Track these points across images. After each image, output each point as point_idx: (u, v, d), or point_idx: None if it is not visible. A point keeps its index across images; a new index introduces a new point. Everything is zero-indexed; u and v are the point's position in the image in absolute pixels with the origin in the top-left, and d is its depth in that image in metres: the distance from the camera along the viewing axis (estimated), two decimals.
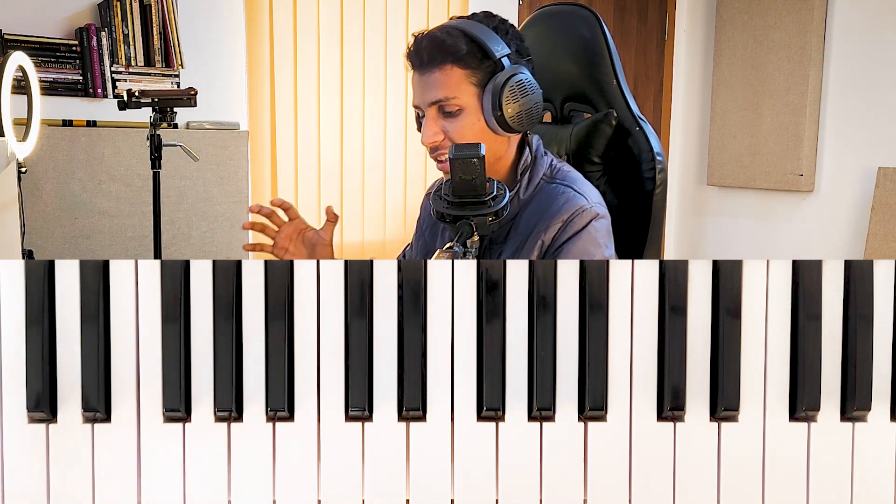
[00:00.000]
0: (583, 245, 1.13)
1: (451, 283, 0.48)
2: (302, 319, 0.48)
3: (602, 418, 0.48)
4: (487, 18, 1.17)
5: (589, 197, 1.17)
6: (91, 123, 2.87)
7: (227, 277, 0.47)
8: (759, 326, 0.48)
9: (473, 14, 1.20)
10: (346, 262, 0.48)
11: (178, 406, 0.47)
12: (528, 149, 1.22)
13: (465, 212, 1.03)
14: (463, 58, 1.13)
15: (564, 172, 1.22)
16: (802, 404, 0.48)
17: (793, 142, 3.49)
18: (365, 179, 3.62)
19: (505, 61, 1.13)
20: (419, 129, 1.22)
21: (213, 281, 0.47)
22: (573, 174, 1.22)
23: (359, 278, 0.47)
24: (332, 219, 1.38)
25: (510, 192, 1.19)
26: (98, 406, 0.47)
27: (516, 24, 1.28)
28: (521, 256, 1.15)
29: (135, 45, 3.00)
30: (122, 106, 2.33)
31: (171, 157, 2.64)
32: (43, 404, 0.46)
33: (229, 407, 0.47)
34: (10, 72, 1.64)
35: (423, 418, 0.48)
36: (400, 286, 0.48)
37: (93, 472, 0.47)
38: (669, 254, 4.30)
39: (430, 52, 1.14)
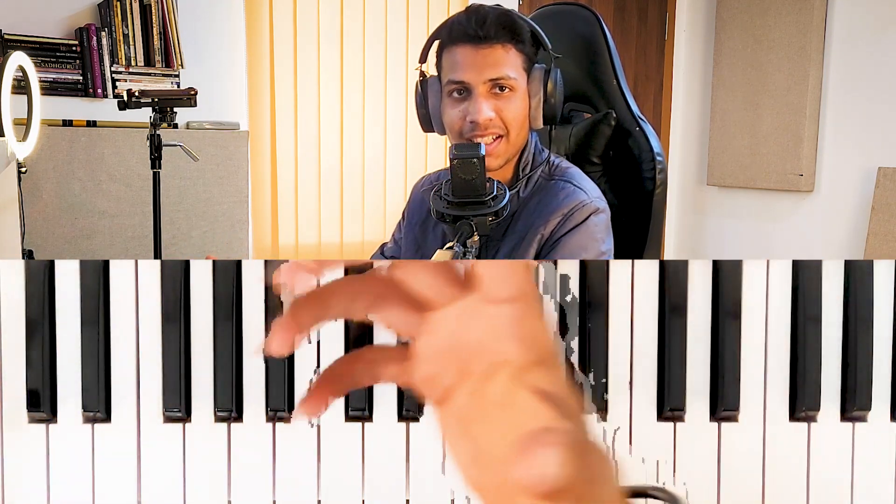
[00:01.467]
0: (580, 239, 1.13)
1: None
2: None
3: (603, 418, 0.48)
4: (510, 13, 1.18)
5: (588, 191, 1.17)
6: (91, 123, 2.87)
7: (227, 277, 0.47)
8: (759, 326, 0.48)
9: (498, 7, 1.19)
10: (345, 262, 0.48)
11: (177, 406, 0.47)
12: (527, 146, 1.22)
13: (465, 212, 1.03)
14: (523, 41, 1.14)
15: (563, 169, 1.22)
16: (802, 404, 0.48)
17: (793, 142, 3.49)
18: (365, 179, 3.62)
19: (547, 53, 1.16)
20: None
21: (213, 281, 0.47)
22: (572, 170, 1.22)
23: None
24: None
25: (510, 189, 1.19)
26: (98, 406, 0.47)
27: None
28: (519, 253, 1.15)
29: (135, 45, 3.00)
30: (122, 106, 2.33)
31: (171, 157, 2.64)
32: (43, 404, 0.46)
33: (229, 407, 0.47)
34: (10, 72, 1.64)
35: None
36: None
37: (93, 472, 0.47)
38: (669, 254, 4.30)
39: (495, 27, 1.12)
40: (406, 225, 1.37)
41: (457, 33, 1.14)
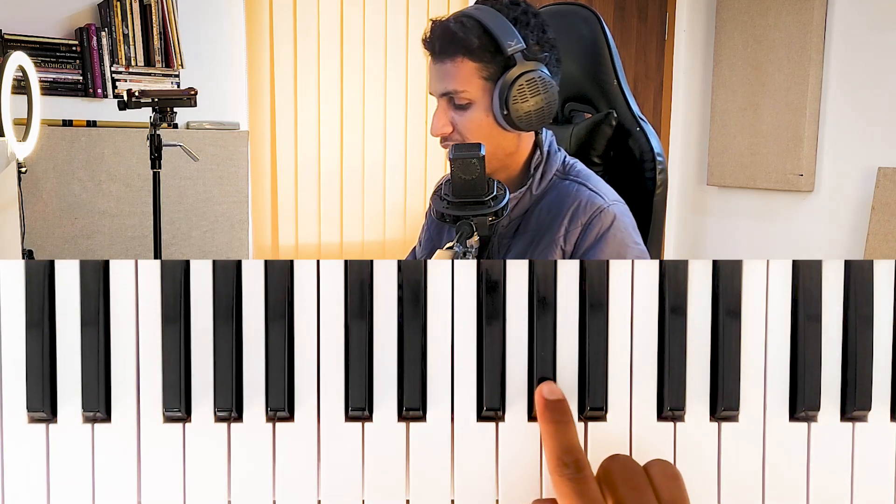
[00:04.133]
0: (614, 248, 1.11)
1: (451, 283, 0.48)
2: (302, 319, 0.48)
3: (602, 418, 0.48)
4: (510, 7, 1.13)
5: (605, 195, 1.15)
6: (91, 123, 2.87)
7: (227, 277, 0.47)
8: (759, 326, 0.48)
9: None
10: (346, 262, 0.48)
11: (178, 406, 0.47)
12: (540, 144, 1.22)
13: (465, 212, 1.02)
14: (474, 51, 1.10)
15: (578, 169, 1.21)
16: (802, 404, 0.48)
17: (793, 142, 3.49)
18: (365, 179, 3.62)
19: (518, 57, 1.09)
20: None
21: (213, 281, 0.47)
22: (586, 171, 1.21)
23: (359, 278, 0.47)
24: None
25: (523, 187, 1.19)
26: (98, 406, 0.47)
27: None
28: (534, 254, 1.14)
29: (135, 45, 3.00)
30: (122, 106, 2.33)
31: (171, 157, 2.64)
32: (43, 404, 0.46)
33: (229, 407, 0.47)
34: (10, 72, 1.64)
35: (423, 418, 0.48)
36: (400, 286, 0.48)
37: (93, 472, 0.47)
38: (669, 254, 4.30)
39: (442, 42, 1.12)
40: (425, 227, 1.41)
41: (427, 49, 1.16)
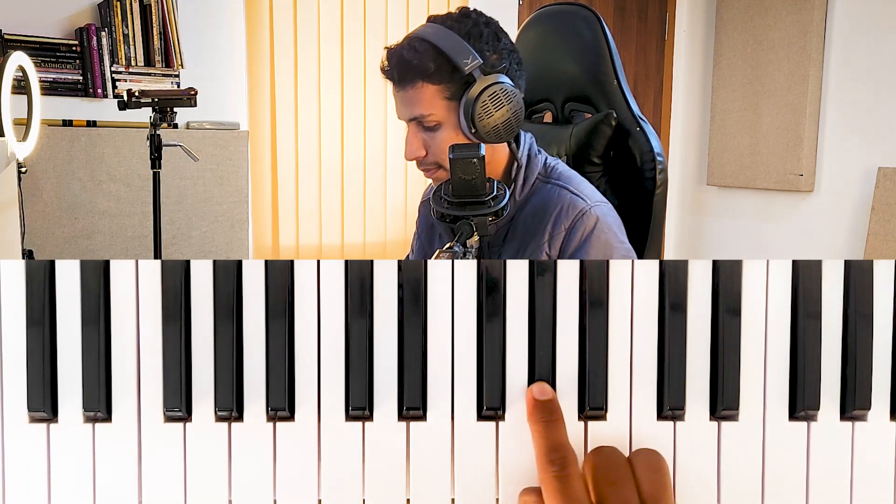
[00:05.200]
0: (599, 250, 1.12)
1: (451, 283, 0.48)
2: (302, 319, 0.48)
3: (602, 417, 0.48)
4: (461, 21, 1.12)
5: (587, 197, 1.15)
6: (91, 123, 2.87)
7: (228, 277, 0.47)
8: (758, 326, 0.48)
9: (449, 14, 1.14)
10: (346, 262, 0.48)
11: (178, 406, 0.47)
12: (520, 149, 1.21)
13: (465, 212, 1.02)
14: (432, 75, 1.10)
15: (559, 172, 1.20)
16: (802, 403, 0.48)
17: (793, 142, 3.50)
18: (365, 179, 3.62)
19: (476, 73, 1.09)
20: None
21: (213, 281, 0.47)
22: (568, 172, 1.21)
23: (359, 278, 0.47)
24: None
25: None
26: (99, 406, 0.47)
27: (516, 25, 1.27)
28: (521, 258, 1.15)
29: (135, 45, 3.00)
30: (122, 106, 2.33)
31: (171, 157, 2.65)
32: (44, 404, 0.46)
33: (230, 407, 0.47)
34: (10, 72, 1.64)
35: (423, 418, 0.48)
36: (400, 286, 0.48)
37: (93, 471, 0.47)
38: (669, 254, 4.30)
39: (399, 70, 1.12)
40: (416, 235, 1.42)
41: (387, 77, 1.15)
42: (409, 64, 1.10)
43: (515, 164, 1.20)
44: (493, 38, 1.12)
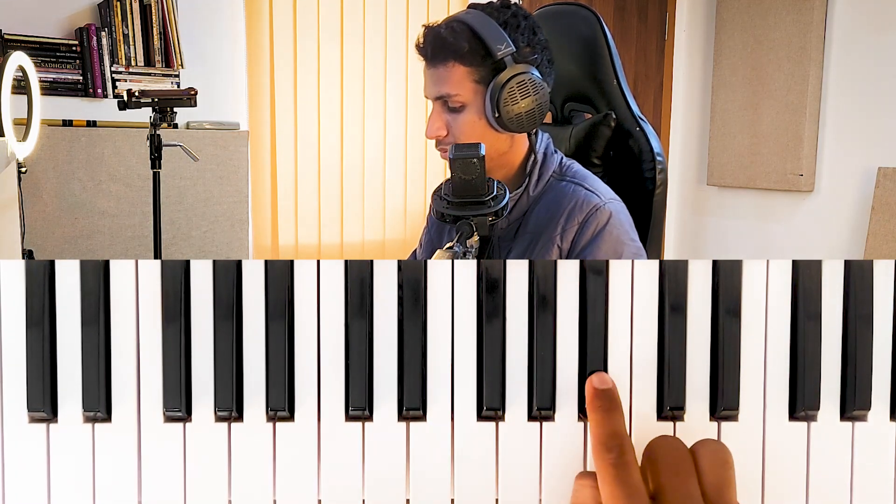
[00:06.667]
0: (610, 246, 1.13)
1: (451, 283, 0.48)
2: (302, 319, 0.48)
3: None
4: (500, 10, 1.15)
5: (601, 194, 1.16)
6: (91, 123, 2.87)
7: (228, 277, 0.47)
8: (758, 326, 0.48)
9: (490, 3, 1.17)
10: (346, 262, 0.48)
11: (178, 406, 0.47)
12: (537, 144, 1.22)
13: (465, 212, 1.03)
14: (465, 56, 1.12)
15: (574, 170, 1.22)
16: (802, 403, 0.48)
17: (793, 142, 3.49)
18: (365, 179, 3.62)
19: (508, 60, 1.11)
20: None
21: (213, 281, 0.47)
22: (583, 171, 1.22)
23: (359, 278, 0.47)
24: None
25: (520, 188, 1.20)
26: (98, 406, 0.47)
27: None
28: (533, 255, 1.15)
29: (135, 45, 3.00)
30: (122, 106, 2.33)
31: (171, 157, 2.64)
32: (43, 404, 0.46)
33: (230, 406, 0.47)
34: (10, 72, 1.64)
35: (423, 418, 0.48)
36: (400, 286, 0.48)
37: (93, 471, 0.47)
38: (669, 254, 4.30)
39: (434, 47, 1.14)
40: (426, 229, 1.42)
41: (420, 54, 1.18)
42: (444, 42, 1.13)
43: (532, 157, 1.21)
44: (530, 32, 1.15)
